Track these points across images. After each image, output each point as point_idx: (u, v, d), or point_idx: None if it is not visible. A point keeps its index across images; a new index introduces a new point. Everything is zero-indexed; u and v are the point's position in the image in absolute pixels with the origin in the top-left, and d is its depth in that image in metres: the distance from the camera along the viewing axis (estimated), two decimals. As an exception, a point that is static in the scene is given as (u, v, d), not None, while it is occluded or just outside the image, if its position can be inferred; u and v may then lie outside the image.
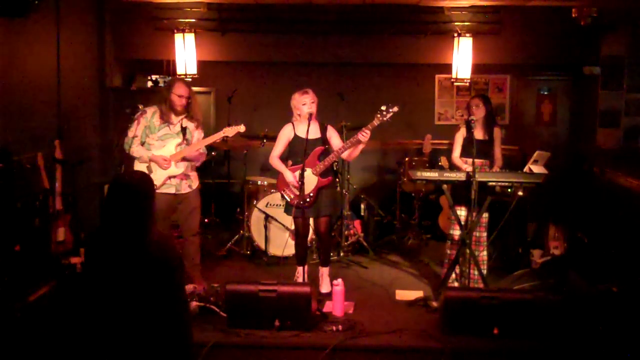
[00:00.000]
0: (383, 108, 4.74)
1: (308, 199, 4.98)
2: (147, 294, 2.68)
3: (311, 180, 4.97)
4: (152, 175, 4.89)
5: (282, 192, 5.14)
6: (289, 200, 5.10)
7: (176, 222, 5.35)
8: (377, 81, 7.67)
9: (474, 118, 5.10)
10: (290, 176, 5.02)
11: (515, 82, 7.75)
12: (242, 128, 5.07)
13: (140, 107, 6.06)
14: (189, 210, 5.19)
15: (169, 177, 5.04)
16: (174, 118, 5.08)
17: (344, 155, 5.01)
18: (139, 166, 5.08)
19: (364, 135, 4.74)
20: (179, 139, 5.07)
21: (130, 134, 5.06)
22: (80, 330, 2.78)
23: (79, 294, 2.84)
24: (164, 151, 5.05)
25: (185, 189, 5.14)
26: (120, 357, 2.68)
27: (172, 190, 5.08)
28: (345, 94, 6.46)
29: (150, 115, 5.08)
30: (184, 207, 5.17)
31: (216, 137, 5.08)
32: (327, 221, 5.15)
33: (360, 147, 4.90)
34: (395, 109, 4.74)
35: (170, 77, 7.73)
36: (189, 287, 4.74)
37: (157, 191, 4.93)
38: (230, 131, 5.05)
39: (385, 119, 4.74)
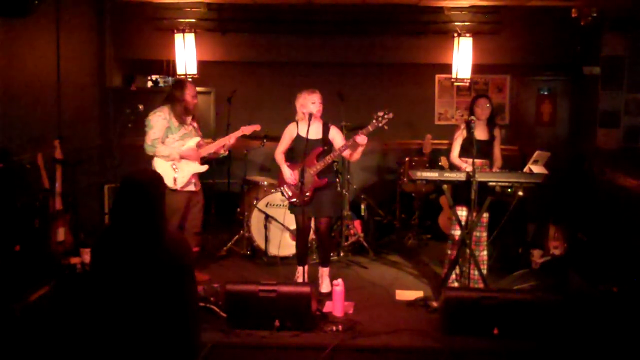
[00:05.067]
0: (380, 113, 4.78)
1: (305, 198, 4.99)
2: (161, 290, 2.68)
3: (308, 180, 4.98)
4: (177, 174, 5.11)
5: (282, 188, 5.16)
6: (286, 197, 5.13)
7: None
8: (377, 81, 7.67)
9: (474, 118, 5.10)
10: (288, 172, 5.06)
11: (515, 82, 7.75)
12: (257, 127, 5.36)
13: (140, 107, 6.07)
14: (199, 207, 5.41)
15: (194, 175, 5.24)
16: (187, 118, 5.27)
17: (346, 155, 5.03)
18: (163, 165, 5.14)
19: (361, 138, 4.77)
20: (198, 138, 5.30)
21: (152, 136, 5.12)
22: (86, 327, 2.78)
23: (86, 293, 2.83)
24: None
25: (198, 186, 5.37)
26: (128, 354, 2.68)
27: (192, 188, 5.27)
28: (345, 94, 6.45)
29: (168, 116, 5.18)
30: (196, 203, 5.38)
31: (236, 134, 5.32)
32: (327, 222, 5.16)
33: (361, 149, 4.92)
34: (391, 115, 4.78)
35: (171, 78, 7.75)
36: None
37: (181, 189, 5.18)
38: (247, 129, 5.31)
39: (380, 124, 4.78)
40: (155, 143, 5.11)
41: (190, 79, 6.94)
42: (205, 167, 5.29)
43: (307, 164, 4.97)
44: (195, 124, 5.38)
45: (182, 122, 5.21)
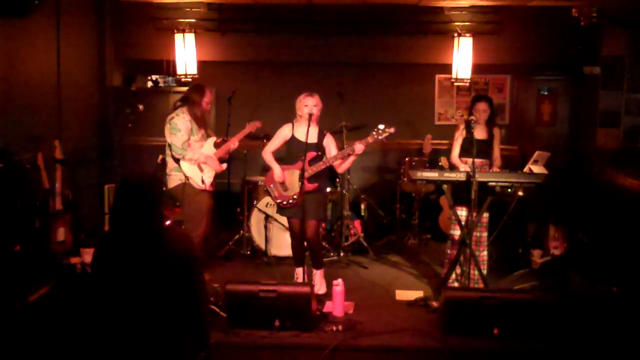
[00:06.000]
0: (381, 127, 4.79)
1: (291, 200, 4.98)
2: (171, 287, 2.69)
3: (297, 183, 4.94)
4: (204, 174, 5.20)
5: (269, 187, 5.14)
6: (272, 196, 5.13)
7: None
8: (377, 81, 7.67)
9: (474, 118, 5.09)
10: (279, 172, 5.04)
11: (515, 82, 7.76)
12: (259, 123, 5.49)
13: (140, 107, 6.08)
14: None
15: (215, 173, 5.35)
16: (201, 121, 5.32)
17: (336, 164, 5.00)
18: (190, 167, 5.17)
19: (359, 147, 4.77)
20: (214, 138, 5.38)
21: (181, 139, 5.12)
22: (94, 330, 2.77)
23: (93, 297, 2.82)
24: (206, 150, 5.27)
25: (214, 185, 5.43)
26: (143, 352, 2.68)
27: (211, 188, 5.34)
28: (345, 94, 6.45)
29: (189, 117, 5.21)
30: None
31: (244, 133, 5.42)
32: (314, 225, 5.03)
33: (351, 159, 4.91)
34: (392, 129, 4.80)
35: (171, 77, 7.77)
36: None
37: (208, 189, 5.27)
38: (252, 126, 5.43)
39: (380, 137, 4.80)
40: (185, 146, 5.13)
41: (188, 79, 6.98)
42: (225, 166, 5.38)
43: (300, 167, 4.95)
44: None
45: (199, 125, 5.27)
